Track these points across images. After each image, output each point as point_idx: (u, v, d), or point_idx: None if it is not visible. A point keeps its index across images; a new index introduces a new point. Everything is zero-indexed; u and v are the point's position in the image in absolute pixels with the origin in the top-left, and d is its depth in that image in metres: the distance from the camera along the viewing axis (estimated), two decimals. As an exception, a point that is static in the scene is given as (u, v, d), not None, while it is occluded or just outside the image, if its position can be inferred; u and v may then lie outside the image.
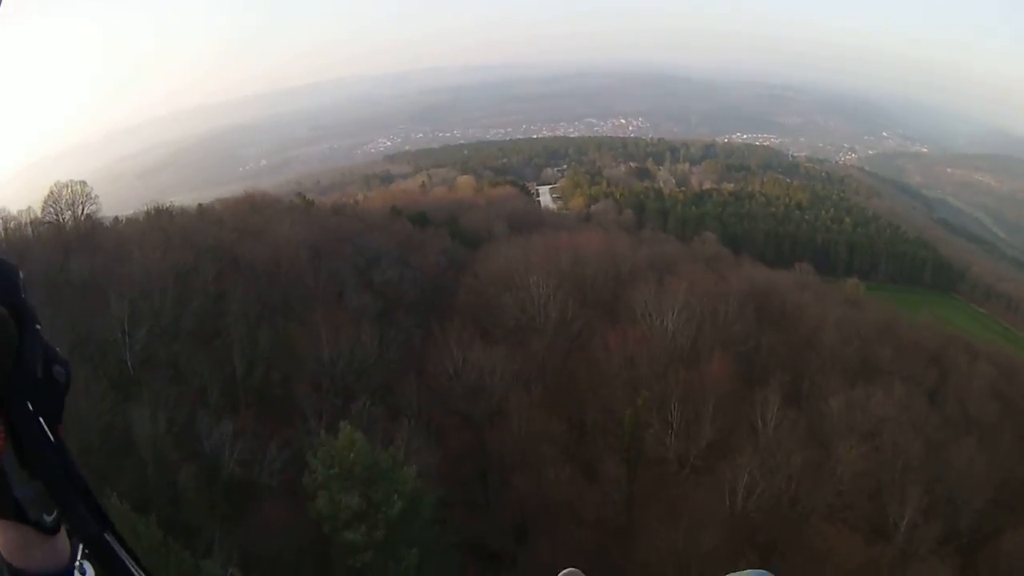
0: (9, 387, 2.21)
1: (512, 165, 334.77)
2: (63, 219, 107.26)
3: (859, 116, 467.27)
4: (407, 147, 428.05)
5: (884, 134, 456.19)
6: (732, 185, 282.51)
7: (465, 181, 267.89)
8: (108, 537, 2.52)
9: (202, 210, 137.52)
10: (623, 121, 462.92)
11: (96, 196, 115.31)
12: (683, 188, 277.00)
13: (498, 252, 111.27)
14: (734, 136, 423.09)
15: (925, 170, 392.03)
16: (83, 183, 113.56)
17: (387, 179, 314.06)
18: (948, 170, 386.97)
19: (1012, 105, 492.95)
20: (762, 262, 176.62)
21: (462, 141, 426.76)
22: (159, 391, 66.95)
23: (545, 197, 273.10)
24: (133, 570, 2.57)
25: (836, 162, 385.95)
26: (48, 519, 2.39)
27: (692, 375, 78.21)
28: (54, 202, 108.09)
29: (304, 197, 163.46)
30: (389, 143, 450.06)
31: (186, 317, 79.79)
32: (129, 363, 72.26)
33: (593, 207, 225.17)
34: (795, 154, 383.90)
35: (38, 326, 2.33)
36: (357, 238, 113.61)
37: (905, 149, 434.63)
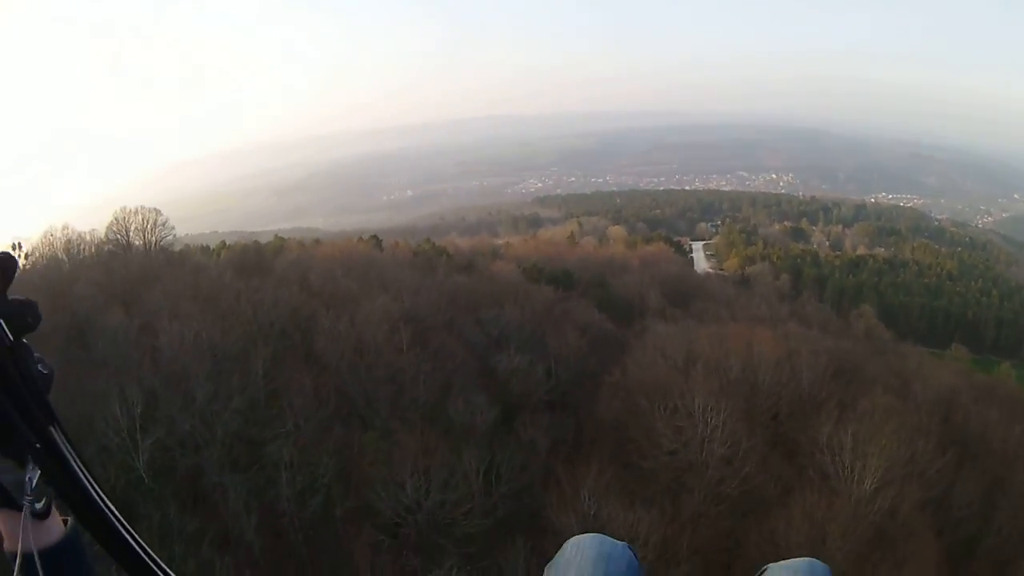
0: None
1: (665, 217, 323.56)
2: (130, 245, 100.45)
3: (993, 177, 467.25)
4: (558, 190, 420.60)
5: (1016, 196, 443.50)
6: (885, 251, 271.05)
7: (617, 232, 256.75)
8: (54, 431, 2.51)
9: (284, 252, 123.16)
10: (774, 176, 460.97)
11: (168, 223, 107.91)
12: (838, 252, 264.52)
13: (651, 343, 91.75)
14: (880, 196, 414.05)
15: None
16: (156, 210, 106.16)
17: (535, 222, 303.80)
18: None
19: None
20: (915, 337, 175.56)
21: (614, 188, 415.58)
22: (172, 517, 50.24)
23: (699, 254, 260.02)
24: (78, 468, 2.57)
25: (975, 225, 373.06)
26: (39, 505, 2.48)
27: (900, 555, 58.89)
28: (120, 228, 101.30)
29: (432, 244, 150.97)
30: (540, 184, 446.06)
31: (221, 417, 60.24)
32: (141, 469, 53.50)
33: (749, 269, 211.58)
34: (938, 217, 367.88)
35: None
36: (484, 310, 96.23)
37: None
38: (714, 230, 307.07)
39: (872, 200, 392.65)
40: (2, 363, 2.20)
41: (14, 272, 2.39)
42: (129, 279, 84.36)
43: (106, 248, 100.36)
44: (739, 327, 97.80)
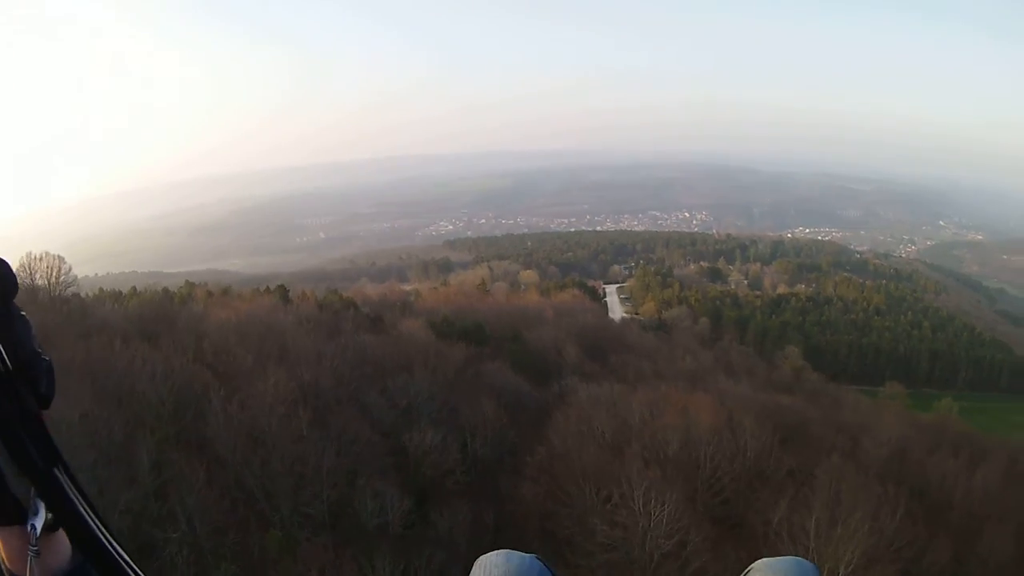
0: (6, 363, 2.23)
1: (577, 260, 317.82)
2: (36, 293, 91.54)
3: (916, 204, 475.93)
4: (469, 232, 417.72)
5: (941, 223, 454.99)
6: (807, 288, 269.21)
7: (528, 277, 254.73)
8: (58, 472, 2.48)
9: (191, 302, 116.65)
10: (687, 215, 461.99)
11: (72, 272, 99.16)
12: (758, 292, 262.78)
13: (575, 415, 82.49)
14: (797, 230, 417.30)
15: (982, 259, 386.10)
16: (60, 257, 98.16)
17: (446, 267, 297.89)
18: (1004, 257, 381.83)
19: None
20: (845, 376, 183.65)
21: (525, 230, 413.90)
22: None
23: (612, 298, 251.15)
24: (82, 509, 2.56)
25: (898, 255, 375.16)
26: (47, 517, 2.43)
27: None
28: (26, 275, 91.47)
29: (339, 295, 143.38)
30: (451, 227, 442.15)
31: (109, 517, 49.55)
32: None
33: (666, 313, 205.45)
34: (859, 249, 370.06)
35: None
36: (392, 377, 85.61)
37: (961, 237, 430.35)
38: (628, 272, 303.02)
39: (789, 235, 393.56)
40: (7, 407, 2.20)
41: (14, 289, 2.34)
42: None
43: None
44: (670, 391, 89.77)
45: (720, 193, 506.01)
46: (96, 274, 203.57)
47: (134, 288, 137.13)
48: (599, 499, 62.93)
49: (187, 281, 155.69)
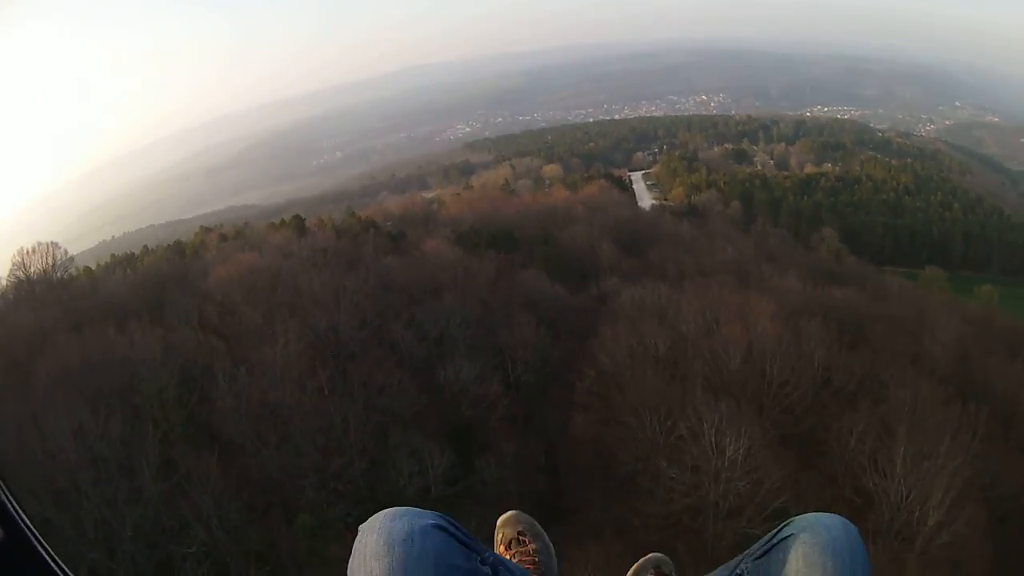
0: None
1: (600, 150, 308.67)
2: (33, 288, 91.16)
3: (932, 85, 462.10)
4: (487, 133, 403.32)
5: (957, 104, 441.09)
6: (835, 167, 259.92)
7: (553, 171, 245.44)
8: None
9: (203, 250, 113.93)
10: (704, 97, 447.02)
11: (68, 254, 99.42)
12: (786, 173, 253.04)
13: (623, 330, 73.62)
14: (816, 109, 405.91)
15: (1001, 141, 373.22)
16: (54, 244, 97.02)
17: (467, 170, 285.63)
18: (1022, 140, 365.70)
19: None
20: (881, 258, 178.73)
21: (543, 125, 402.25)
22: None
23: (639, 185, 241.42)
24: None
25: (918, 134, 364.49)
26: None
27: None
28: (21, 270, 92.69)
29: (357, 216, 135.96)
30: (468, 129, 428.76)
31: (120, 540, 46.90)
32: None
33: (696, 198, 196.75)
34: (880, 128, 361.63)
35: None
36: (419, 304, 79.11)
37: (979, 119, 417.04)
38: (652, 159, 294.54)
39: (808, 114, 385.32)
40: None
41: None
42: (14, 345, 71.53)
43: (10, 296, 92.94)
44: (722, 293, 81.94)
45: (734, 75, 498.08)
46: (113, 237, 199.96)
47: (145, 248, 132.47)
48: (662, 431, 56.67)
49: (201, 227, 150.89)
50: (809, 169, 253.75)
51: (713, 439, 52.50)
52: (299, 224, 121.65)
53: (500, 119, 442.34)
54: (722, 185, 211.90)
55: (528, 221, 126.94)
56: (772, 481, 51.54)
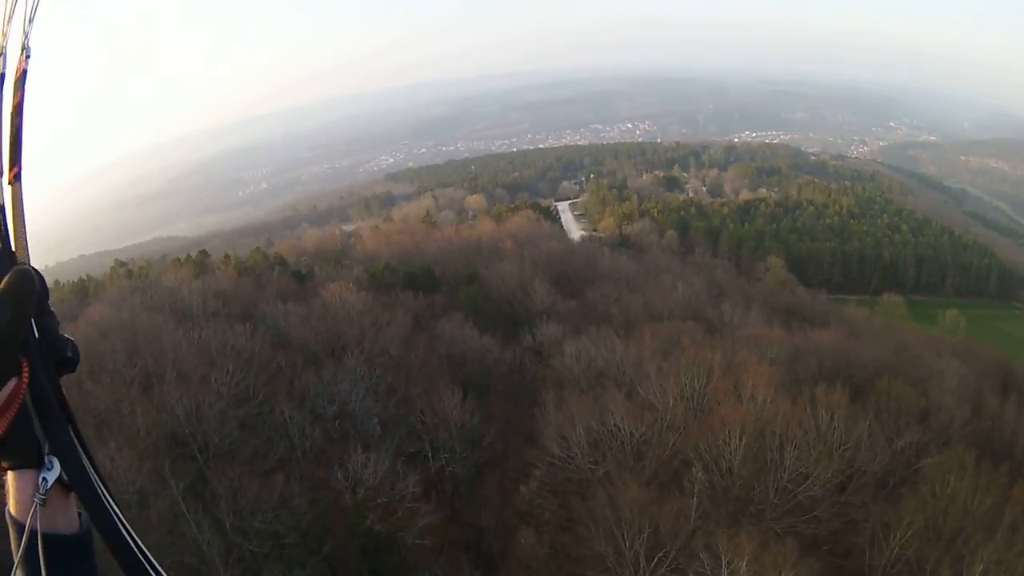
0: (37, 339, 2.53)
1: (525, 180, 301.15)
2: None
3: (865, 107, 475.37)
4: (410, 163, 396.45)
5: (891, 124, 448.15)
6: (771, 192, 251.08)
7: (476, 202, 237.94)
8: (71, 432, 2.64)
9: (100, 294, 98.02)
10: (630, 125, 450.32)
11: None
12: (722, 199, 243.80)
13: (572, 398, 57.01)
14: (744, 135, 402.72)
15: (939, 159, 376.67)
16: None
17: (389, 201, 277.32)
18: (962, 158, 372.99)
19: (1013, 86, 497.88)
20: (830, 286, 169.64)
21: (467, 155, 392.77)
22: None
23: (567, 215, 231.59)
24: (90, 470, 2.67)
25: (852, 156, 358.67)
26: (64, 473, 2.58)
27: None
28: None
29: (262, 253, 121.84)
30: (391, 160, 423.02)
31: None
32: None
33: (627, 228, 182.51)
34: (812, 151, 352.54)
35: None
36: (319, 366, 62.68)
37: (914, 138, 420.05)
38: (579, 188, 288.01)
39: (736, 140, 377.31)
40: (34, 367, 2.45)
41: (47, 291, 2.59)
42: None
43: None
44: (700, 353, 63.30)
45: (660, 102, 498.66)
46: (47, 266, 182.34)
47: (56, 283, 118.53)
48: (647, 562, 40.24)
49: (116, 261, 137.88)
50: (745, 195, 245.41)
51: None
52: (199, 262, 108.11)
53: (423, 149, 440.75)
54: (656, 214, 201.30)
55: (451, 257, 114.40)
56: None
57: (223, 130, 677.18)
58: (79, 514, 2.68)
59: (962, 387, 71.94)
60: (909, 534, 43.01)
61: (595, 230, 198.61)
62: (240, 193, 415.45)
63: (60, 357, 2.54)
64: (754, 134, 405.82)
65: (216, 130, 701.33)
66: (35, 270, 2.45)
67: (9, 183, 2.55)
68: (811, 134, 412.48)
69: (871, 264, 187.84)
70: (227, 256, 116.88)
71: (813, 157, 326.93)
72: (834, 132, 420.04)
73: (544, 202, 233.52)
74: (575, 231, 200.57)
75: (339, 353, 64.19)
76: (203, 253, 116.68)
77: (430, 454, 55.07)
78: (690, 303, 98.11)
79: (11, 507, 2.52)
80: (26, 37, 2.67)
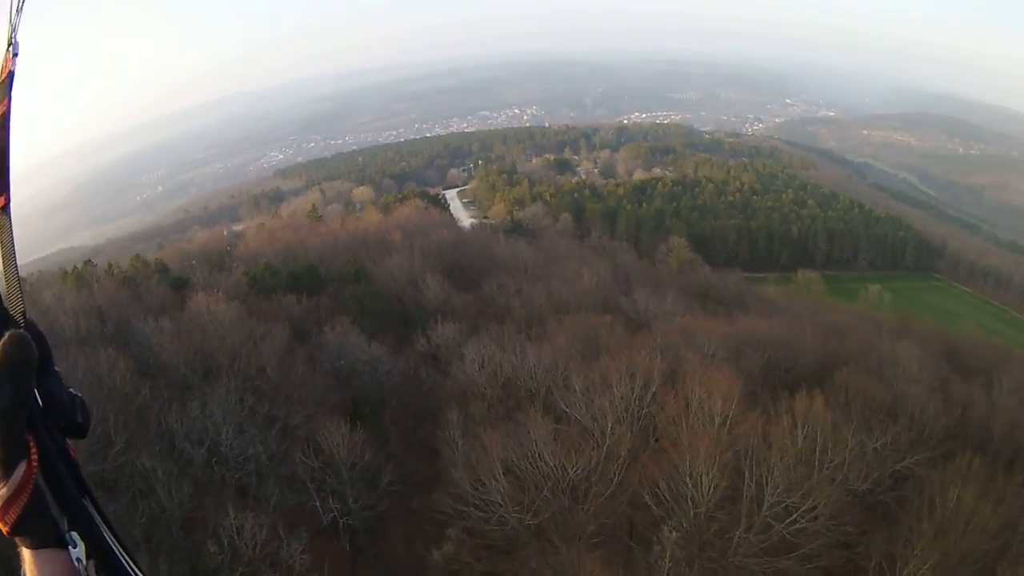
0: (42, 409, 2.41)
1: (413, 169, 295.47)
2: None
3: (759, 85, 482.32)
4: (299, 158, 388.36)
5: (788, 101, 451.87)
6: (666, 171, 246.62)
7: (364, 194, 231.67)
8: (86, 503, 2.54)
9: None
10: (517, 111, 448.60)
11: None
12: (616, 181, 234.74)
13: (486, 440, 46.42)
14: (633, 116, 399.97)
15: (839, 134, 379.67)
16: None
17: (277, 197, 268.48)
18: (864, 132, 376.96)
19: (913, 59, 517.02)
20: (738, 265, 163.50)
21: (355, 147, 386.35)
22: None
23: (455, 203, 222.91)
24: (110, 541, 2.55)
25: (747, 134, 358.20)
26: (89, 549, 2.46)
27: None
28: None
29: (142, 260, 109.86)
30: (281, 156, 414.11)
31: None
32: None
33: (519, 214, 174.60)
34: (705, 130, 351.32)
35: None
36: (185, 395, 53.26)
37: (812, 114, 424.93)
38: (467, 175, 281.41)
39: (626, 121, 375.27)
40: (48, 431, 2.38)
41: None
42: None
43: None
44: (622, 349, 56.40)
45: (547, 87, 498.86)
46: None
47: None
48: None
49: None
50: (640, 175, 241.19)
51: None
52: (79, 275, 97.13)
53: (312, 144, 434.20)
54: (548, 198, 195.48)
55: (337, 253, 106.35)
56: None
57: (118, 136, 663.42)
58: None
59: (923, 372, 66.09)
60: (925, 568, 36.05)
61: (486, 217, 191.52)
62: (137, 198, 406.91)
63: (69, 423, 2.47)
64: (644, 115, 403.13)
65: (111, 136, 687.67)
66: (32, 326, 2.39)
67: None
68: (703, 113, 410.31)
69: (779, 240, 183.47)
70: (110, 265, 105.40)
71: (707, 136, 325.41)
72: (727, 111, 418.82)
73: (432, 191, 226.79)
74: (465, 219, 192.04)
75: (213, 376, 54.17)
76: (88, 264, 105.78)
77: (318, 504, 44.84)
78: (598, 291, 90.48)
79: None
80: (13, 30, 2.50)
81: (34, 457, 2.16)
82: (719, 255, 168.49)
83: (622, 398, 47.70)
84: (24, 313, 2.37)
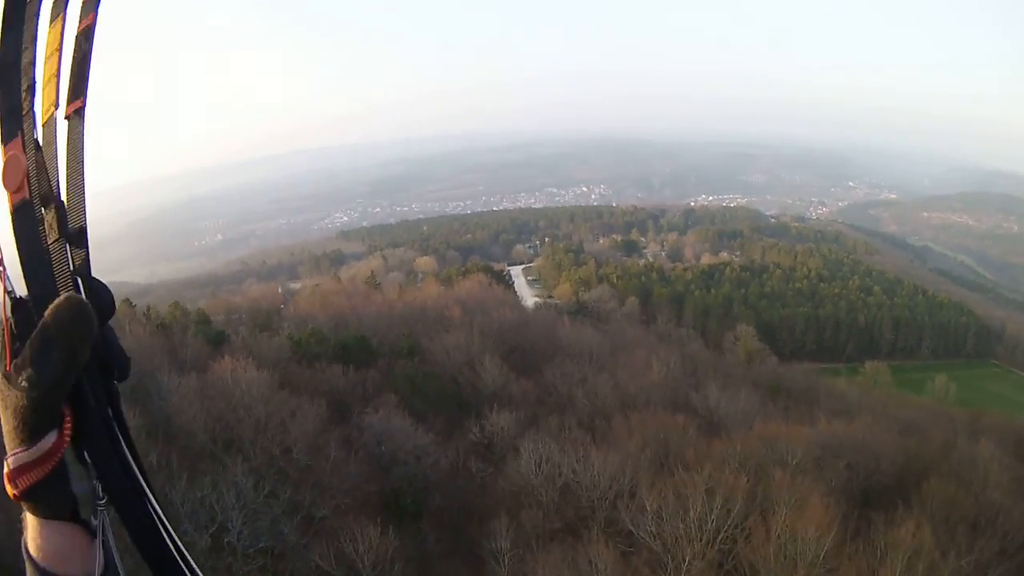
0: (95, 376, 2.29)
1: (477, 242, 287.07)
2: None
3: (822, 167, 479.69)
4: (364, 223, 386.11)
5: (850, 183, 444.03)
6: (733, 256, 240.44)
7: (426, 264, 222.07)
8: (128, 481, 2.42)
9: None
10: (585, 189, 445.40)
11: None
12: (684, 265, 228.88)
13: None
14: (700, 198, 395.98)
15: (900, 217, 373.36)
16: None
17: (338, 260, 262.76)
18: (924, 214, 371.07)
19: (971, 139, 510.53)
20: (803, 355, 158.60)
21: (420, 216, 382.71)
22: None
23: (520, 280, 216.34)
24: (154, 509, 2.44)
25: (812, 218, 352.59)
26: (93, 522, 2.38)
27: None
28: None
29: (181, 308, 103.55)
30: (346, 217, 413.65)
31: None
32: None
33: (585, 295, 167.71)
34: (771, 214, 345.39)
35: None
36: (196, 476, 46.31)
37: (874, 197, 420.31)
38: (533, 252, 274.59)
39: (693, 203, 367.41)
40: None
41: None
42: None
43: None
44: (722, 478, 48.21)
45: (615, 166, 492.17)
46: None
47: None
48: None
49: None
50: (708, 259, 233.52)
51: None
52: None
53: (379, 208, 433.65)
54: (615, 279, 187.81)
55: (392, 324, 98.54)
56: None
57: (184, 176, 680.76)
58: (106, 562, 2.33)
59: (1003, 474, 59.70)
60: None
61: (550, 296, 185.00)
62: (197, 243, 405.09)
63: (120, 372, 2.33)
64: (711, 197, 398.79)
65: (178, 176, 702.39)
66: (96, 283, 2.30)
67: (66, 118, 2.28)
68: (768, 196, 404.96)
69: (846, 329, 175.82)
70: (148, 309, 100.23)
71: (773, 219, 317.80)
72: (792, 194, 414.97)
73: (497, 266, 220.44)
74: (529, 297, 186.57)
75: (235, 450, 48.70)
76: (126, 303, 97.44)
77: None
78: (667, 384, 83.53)
79: (32, 549, 2.30)
80: None
81: (67, 429, 2.10)
82: (786, 344, 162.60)
83: (698, 520, 41.19)
84: (83, 230, 2.27)
